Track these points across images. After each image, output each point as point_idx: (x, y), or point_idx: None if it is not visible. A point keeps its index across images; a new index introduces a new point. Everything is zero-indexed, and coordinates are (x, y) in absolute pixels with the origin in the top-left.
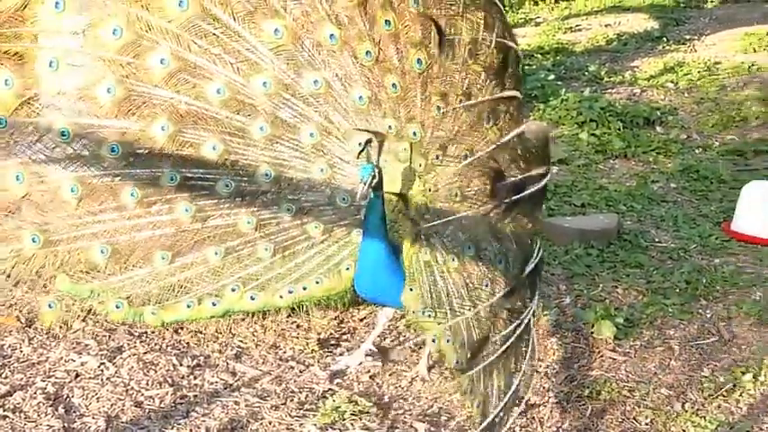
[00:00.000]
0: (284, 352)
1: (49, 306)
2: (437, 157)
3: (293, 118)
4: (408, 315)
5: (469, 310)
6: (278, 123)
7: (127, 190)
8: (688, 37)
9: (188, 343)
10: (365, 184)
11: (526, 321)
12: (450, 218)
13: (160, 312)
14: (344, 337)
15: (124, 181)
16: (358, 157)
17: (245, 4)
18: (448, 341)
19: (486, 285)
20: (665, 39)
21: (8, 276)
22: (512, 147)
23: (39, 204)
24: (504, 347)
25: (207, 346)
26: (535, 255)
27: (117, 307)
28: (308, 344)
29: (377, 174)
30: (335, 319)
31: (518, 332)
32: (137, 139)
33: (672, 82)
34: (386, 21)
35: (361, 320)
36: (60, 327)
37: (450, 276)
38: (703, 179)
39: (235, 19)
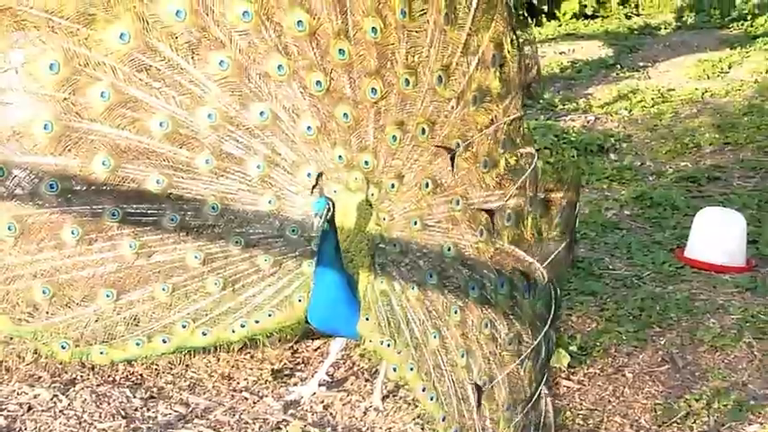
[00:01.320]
0: (238, 383)
1: None
2: (392, 186)
3: (239, 150)
4: (366, 345)
5: (435, 338)
6: (223, 156)
7: (67, 227)
8: (642, 64)
9: (141, 375)
10: (320, 217)
11: (522, 353)
12: (407, 246)
13: (109, 351)
14: (299, 367)
15: (64, 218)
16: (312, 193)
17: (189, 36)
18: (411, 369)
19: (456, 312)
20: (618, 66)
21: None
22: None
23: None
24: (494, 377)
25: (160, 377)
26: (530, 286)
27: (62, 347)
28: (261, 374)
29: (331, 207)
30: (289, 349)
31: (511, 364)
32: (76, 176)
33: (626, 109)
34: (339, 50)
35: (315, 350)
36: (12, 360)
37: (409, 305)
38: (657, 206)
39: (178, 51)
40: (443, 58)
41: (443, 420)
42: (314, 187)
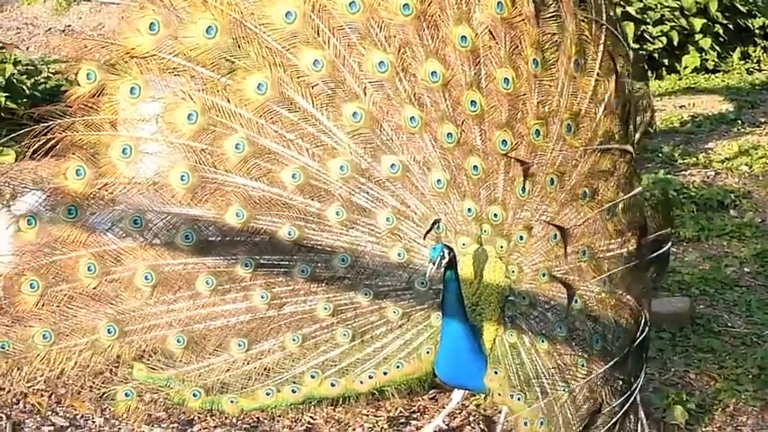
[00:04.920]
0: (354, 429)
1: (126, 395)
2: (521, 238)
3: (369, 202)
4: (494, 398)
5: (564, 391)
6: (354, 208)
7: (201, 278)
8: (763, 120)
9: (258, 418)
10: (434, 263)
11: (632, 398)
12: (536, 299)
13: (239, 400)
14: (414, 415)
15: (199, 268)
16: (424, 238)
17: (323, 86)
18: (542, 423)
19: (582, 366)
20: (739, 121)
21: (85, 367)
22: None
23: (111, 294)
24: (610, 425)
25: (277, 422)
26: (640, 330)
27: (194, 395)
28: (377, 422)
29: (446, 254)
30: (406, 397)
31: (623, 409)
32: (211, 227)
33: (746, 165)
34: (471, 101)
35: (432, 399)
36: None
37: (539, 358)
38: None
39: (312, 102)
40: (573, 106)
41: None
42: (426, 233)
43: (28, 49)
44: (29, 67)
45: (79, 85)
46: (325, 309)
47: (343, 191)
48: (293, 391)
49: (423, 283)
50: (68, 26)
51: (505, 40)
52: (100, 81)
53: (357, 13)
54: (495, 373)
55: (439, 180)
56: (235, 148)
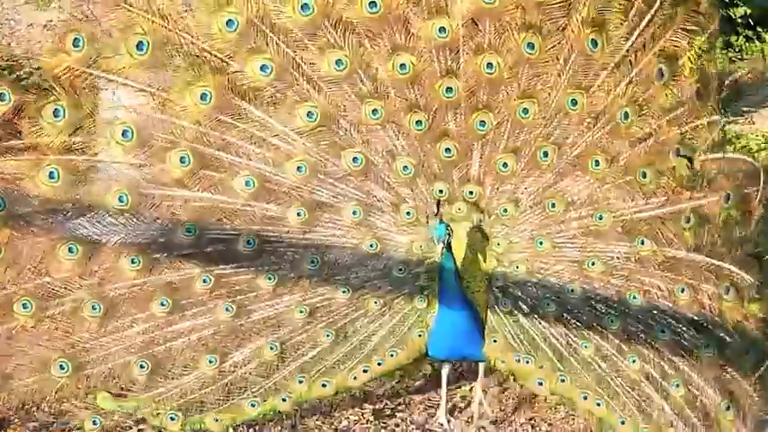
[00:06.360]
0: (339, 422)
1: (94, 423)
2: (505, 211)
3: (333, 198)
4: (498, 366)
5: (586, 348)
6: (316, 206)
7: (156, 299)
8: (746, 109)
9: None
10: (443, 242)
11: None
12: (532, 266)
13: (224, 417)
14: (400, 407)
15: (152, 290)
16: (436, 217)
17: (273, 90)
18: (563, 381)
19: (612, 321)
20: (722, 111)
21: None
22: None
23: (57, 327)
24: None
25: (263, 415)
26: (728, 288)
27: (172, 419)
28: (363, 414)
29: (451, 231)
30: (390, 389)
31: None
32: (159, 246)
33: None
34: (447, 88)
35: (416, 391)
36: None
37: (544, 321)
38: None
39: (262, 107)
40: (582, 81)
41: (623, 424)
42: (436, 214)
43: (9, 44)
44: (10, 63)
45: None
46: (301, 311)
47: (304, 191)
48: (284, 399)
49: (400, 270)
50: (50, 21)
51: (491, 28)
52: (14, 102)
53: (310, 15)
54: (495, 341)
55: (405, 167)
56: (180, 161)
